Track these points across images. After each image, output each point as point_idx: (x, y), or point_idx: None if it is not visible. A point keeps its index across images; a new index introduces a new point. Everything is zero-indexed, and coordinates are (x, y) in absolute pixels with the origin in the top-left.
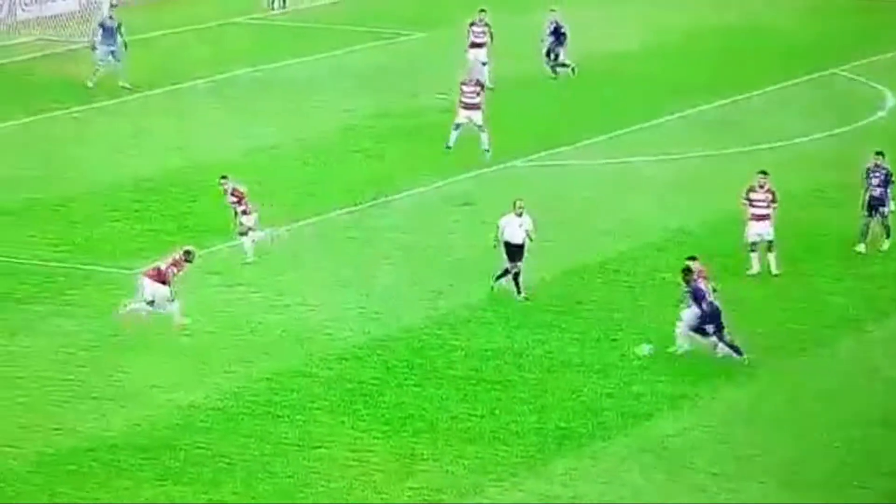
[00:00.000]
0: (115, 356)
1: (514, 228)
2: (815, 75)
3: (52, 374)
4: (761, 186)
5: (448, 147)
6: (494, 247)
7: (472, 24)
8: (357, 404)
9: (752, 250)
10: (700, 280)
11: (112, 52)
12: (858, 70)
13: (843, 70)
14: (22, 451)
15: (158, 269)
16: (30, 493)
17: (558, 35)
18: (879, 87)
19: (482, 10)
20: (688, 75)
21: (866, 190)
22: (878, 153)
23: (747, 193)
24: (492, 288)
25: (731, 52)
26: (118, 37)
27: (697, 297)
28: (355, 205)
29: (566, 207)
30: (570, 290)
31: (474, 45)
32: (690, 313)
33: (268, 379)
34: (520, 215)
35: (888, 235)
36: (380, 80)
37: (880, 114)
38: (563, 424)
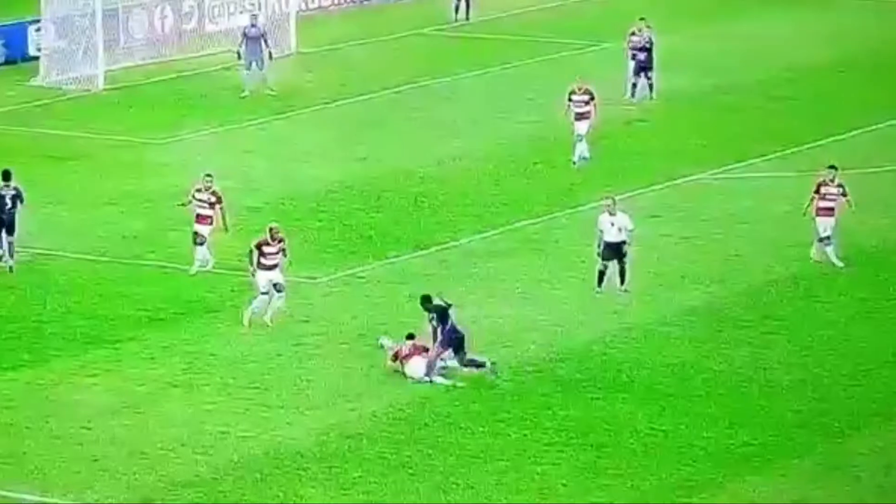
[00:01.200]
0: (297, 364)
1: (609, 227)
2: None
3: (237, 382)
4: (832, 180)
5: (573, 162)
6: (598, 255)
7: (631, 34)
8: (540, 417)
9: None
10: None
11: (256, 62)
12: None
13: None
14: (209, 457)
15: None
16: (216, 499)
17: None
18: None
19: (642, 19)
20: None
21: None
22: None
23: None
24: (596, 293)
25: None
26: (262, 45)
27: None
28: (538, 216)
29: (759, 220)
30: (759, 305)
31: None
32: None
33: (450, 389)
34: (613, 214)
35: None
36: (563, 92)
37: None
38: (751, 441)
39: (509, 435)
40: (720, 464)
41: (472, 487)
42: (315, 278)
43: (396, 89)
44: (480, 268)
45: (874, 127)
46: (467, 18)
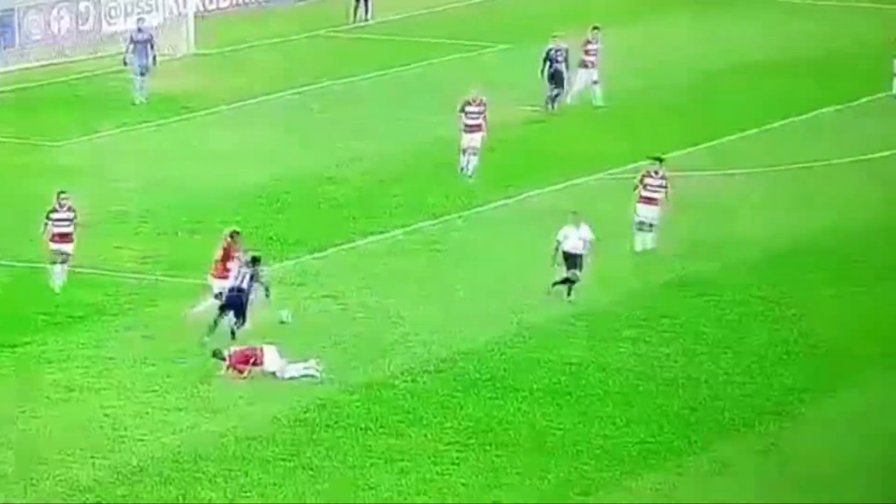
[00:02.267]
0: (196, 367)
1: (574, 239)
2: None
3: (135, 385)
4: (656, 172)
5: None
6: (554, 261)
7: (586, 43)
8: (439, 417)
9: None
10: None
11: (141, 66)
12: None
13: None
14: (107, 461)
15: (221, 266)
16: (115, 502)
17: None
18: None
19: (595, 28)
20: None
21: None
22: None
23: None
24: (548, 292)
25: (829, 64)
26: (149, 50)
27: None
28: (437, 217)
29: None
30: (656, 304)
31: (586, 65)
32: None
33: (350, 392)
34: (578, 226)
35: None
36: (463, 94)
37: None
38: (647, 438)
39: (409, 436)
40: (617, 461)
41: (373, 489)
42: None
43: (296, 91)
44: (380, 269)
45: (776, 125)
46: (366, 19)
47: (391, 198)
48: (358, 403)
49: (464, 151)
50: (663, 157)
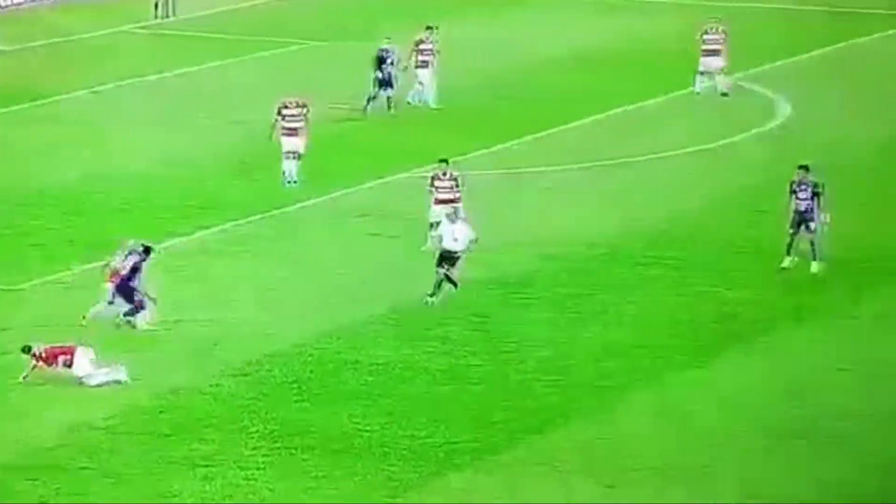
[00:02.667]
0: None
1: (448, 235)
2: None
3: None
4: (444, 174)
5: (291, 183)
6: (434, 253)
7: (418, 42)
8: (246, 422)
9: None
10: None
11: None
12: (752, 78)
13: (738, 78)
14: None
15: (117, 272)
16: None
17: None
18: (772, 95)
19: (429, 28)
20: (582, 86)
21: (792, 204)
22: (801, 167)
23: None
24: (428, 303)
25: (625, 62)
26: None
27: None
28: (246, 217)
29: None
30: (463, 303)
31: (421, 65)
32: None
33: (155, 395)
34: (453, 222)
35: (815, 258)
36: (271, 91)
37: (774, 122)
38: (454, 438)
39: (214, 441)
40: (424, 462)
41: (176, 495)
42: (17, 285)
43: (97, 88)
44: (188, 270)
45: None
46: (168, 16)
47: (196, 198)
48: (162, 409)
49: (286, 156)
50: (448, 159)
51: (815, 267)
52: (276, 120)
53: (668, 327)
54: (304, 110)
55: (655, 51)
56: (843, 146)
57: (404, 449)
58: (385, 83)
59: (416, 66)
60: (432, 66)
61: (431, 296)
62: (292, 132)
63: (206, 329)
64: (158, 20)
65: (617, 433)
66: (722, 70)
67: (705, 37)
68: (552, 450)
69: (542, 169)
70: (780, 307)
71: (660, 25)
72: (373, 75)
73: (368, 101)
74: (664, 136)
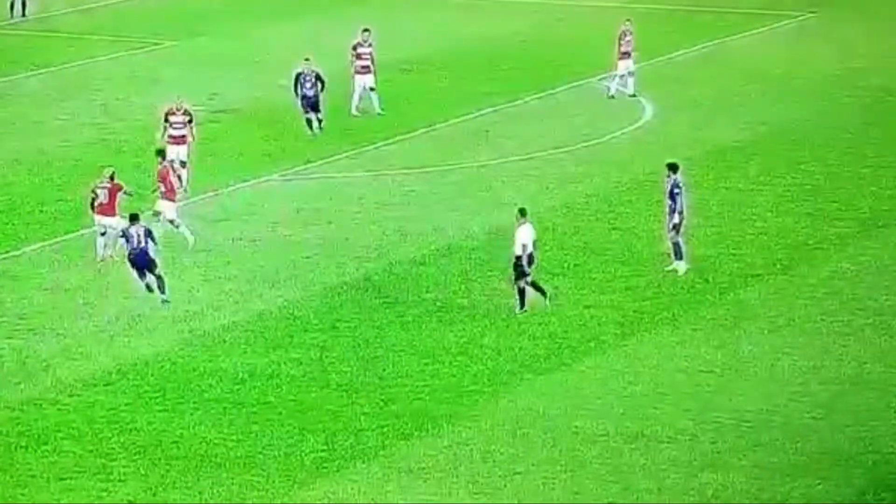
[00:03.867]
0: None
1: (518, 245)
2: (573, 85)
3: None
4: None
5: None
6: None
7: (355, 47)
8: (106, 432)
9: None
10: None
11: None
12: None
13: (600, 80)
14: None
15: (102, 204)
16: None
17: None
18: (637, 97)
19: (366, 30)
20: (448, 87)
21: (669, 207)
22: (670, 166)
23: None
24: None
25: (492, 64)
26: None
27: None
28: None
29: (329, 221)
30: (329, 307)
31: (361, 71)
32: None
33: (9, 408)
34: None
35: (680, 256)
36: (127, 91)
37: (637, 124)
38: (321, 446)
39: (73, 452)
40: (290, 471)
41: None
42: None
43: None
44: (46, 278)
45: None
46: (24, 15)
47: (56, 203)
48: (18, 420)
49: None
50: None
51: (682, 268)
52: (165, 127)
53: (531, 331)
54: (188, 117)
55: (509, 54)
56: (700, 146)
57: (270, 458)
58: (311, 107)
59: (356, 73)
60: (370, 70)
61: (521, 308)
62: (177, 140)
63: (63, 339)
64: (13, 20)
65: (482, 438)
66: (631, 72)
67: (622, 40)
68: (422, 455)
69: (405, 172)
70: (638, 310)
71: (511, 25)
72: (294, 97)
73: (307, 122)
74: (527, 138)
